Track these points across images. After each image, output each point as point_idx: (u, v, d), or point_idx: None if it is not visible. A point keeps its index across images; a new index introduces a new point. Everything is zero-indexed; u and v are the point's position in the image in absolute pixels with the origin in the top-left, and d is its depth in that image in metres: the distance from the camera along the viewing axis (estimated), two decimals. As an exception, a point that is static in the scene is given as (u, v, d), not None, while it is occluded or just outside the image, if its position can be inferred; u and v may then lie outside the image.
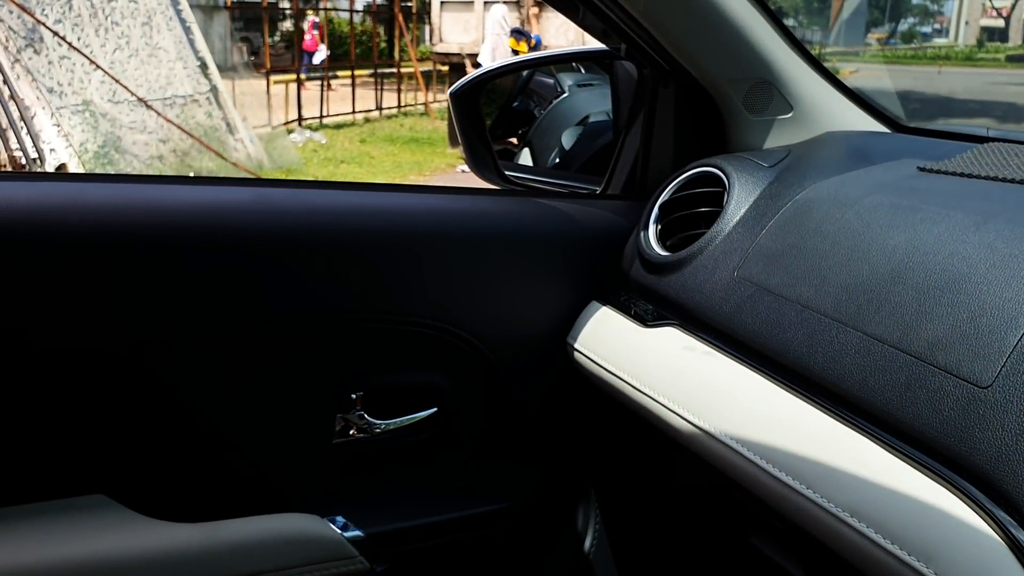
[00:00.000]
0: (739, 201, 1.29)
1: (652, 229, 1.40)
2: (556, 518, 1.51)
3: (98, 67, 8.62)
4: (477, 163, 1.61)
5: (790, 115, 1.44)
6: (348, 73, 14.43)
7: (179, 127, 9.45)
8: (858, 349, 1.00)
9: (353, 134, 12.66)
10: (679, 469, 1.32)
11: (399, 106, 15.02)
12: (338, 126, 13.16)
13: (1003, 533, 0.82)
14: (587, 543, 1.53)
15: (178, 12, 10.07)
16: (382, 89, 14.63)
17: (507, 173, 1.63)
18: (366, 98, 14.36)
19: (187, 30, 10.16)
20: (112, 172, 6.54)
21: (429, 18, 17.41)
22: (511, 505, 1.42)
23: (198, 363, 1.22)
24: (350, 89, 13.98)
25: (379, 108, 14.51)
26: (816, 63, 1.44)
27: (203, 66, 10.29)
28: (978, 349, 0.90)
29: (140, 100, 9.03)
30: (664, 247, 1.37)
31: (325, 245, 1.26)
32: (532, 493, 1.44)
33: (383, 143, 12.01)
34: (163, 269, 1.17)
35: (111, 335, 1.17)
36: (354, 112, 13.84)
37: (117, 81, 8.78)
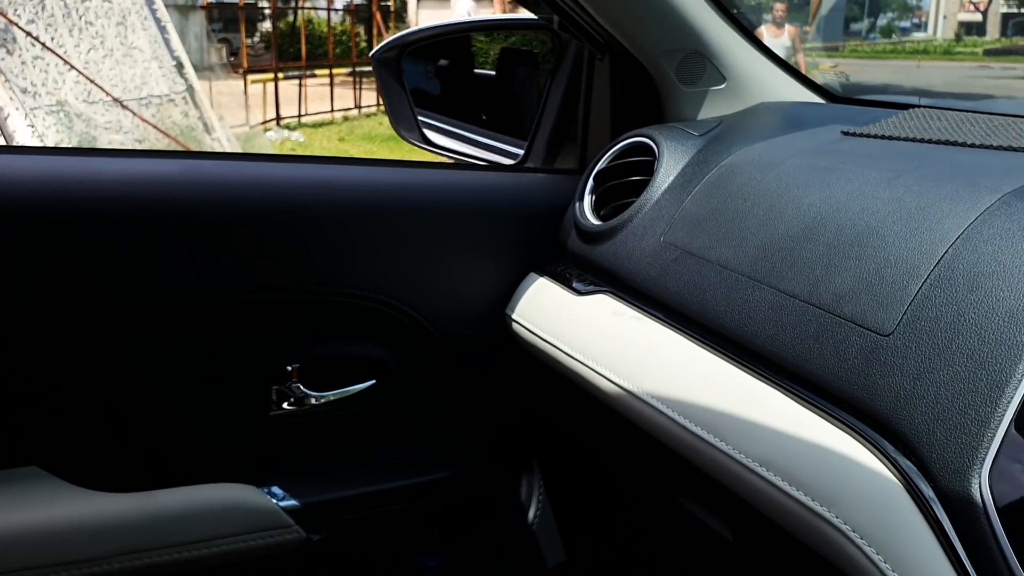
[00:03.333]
0: (668, 169, 1.31)
1: (587, 199, 1.42)
2: (499, 488, 1.53)
3: (72, 67, 8.58)
4: (400, 123, 1.64)
5: (723, 86, 1.46)
6: (327, 72, 14.41)
7: (155, 127, 9.41)
8: (771, 305, 1.02)
9: (332, 132, 12.63)
10: (612, 433, 1.33)
11: (379, 104, 14.99)
12: (317, 125, 13.13)
13: (900, 474, 0.84)
14: (530, 512, 1.54)
15: (153, 12, 10.03)
16: (361, 87, 14.61)
17: (427, 135, 1.66)
18: (345, 97, 14.33)
19: (162, 29, 10.12)
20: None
21: (407, 16, 17.40)
22: (452, 475, 1.43)
23: (129, 335, 1.22)
24: (328, 88, 13.96)
25: (358, 106, 14.49)
26: (750, 35, 1.46)
27: (179, 66, 10.26)
28: (881, 299, 0.92)
29: (115, 100, 9.00)
30: (598, 216, 1.39)
31: (258, 218, 1.27)
32: (473, 463, 1.45)
33: (362, 141, 12.00)
34: (93, 242, 1.18)
35: (42, 309, 1.18)
36: (333, 111, 13.81)
37: (92, 81, 8.74)
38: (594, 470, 1.55)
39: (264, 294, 1.27)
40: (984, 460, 0.78)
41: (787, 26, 9.39)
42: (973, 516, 0.77)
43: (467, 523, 1.52)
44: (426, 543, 1.47)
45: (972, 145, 1.12)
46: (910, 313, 0.89)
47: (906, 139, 1.18)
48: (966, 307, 0.85)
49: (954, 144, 1.14)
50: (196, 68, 10.84)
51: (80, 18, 8.99)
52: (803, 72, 1.53)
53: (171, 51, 10.18)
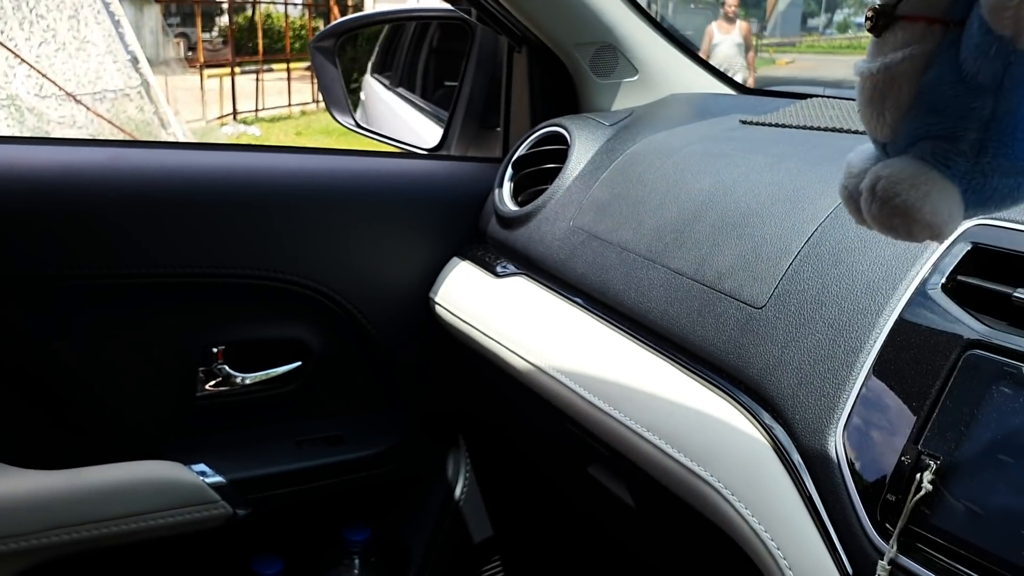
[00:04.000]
0: (579, 157, 1.37)
1: (506, 186, 1.47)
2: (425, 464, 1.58)
3: (23, 61, 8.49)
4: (334, 106, 1.71)
5: (636, 78, 1.52)
6: (284, 66, 14.33)
7: (110, 122, 9.34)
8: (663, 283, 1.08)
9: (289, 127, 12.59)
10: (527, 409, 1.39)
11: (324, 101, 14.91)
12: (274, 119, 13.07)
13: (768, 435, 0.90)
14: (457, 488, 1.60)
15: (106, 5, 9.93)
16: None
17: (358, 120, 1.75)
18: (303, 91, 14.27)
19: (116, 23, 10.03)
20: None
21: (364, 11, 17.34)
22: (378, 452, 1.48)
23: (56, 315, 1.26)
24: (286, 82, 13.90)
25: (316, 101, 14.42)
26: (662, 29, 1.53)
27: (134, 60, 10.17)
28: (757, 274, 0.99)
29: (68, 95, 8.92)
30: (516, 202, 1.45)
31: (182, 203, 1.31)
32: (399, 441, 1.50)
33: (319, 135, 11.96)
34: (18, 227, 1.22)
35: None
36: (290, 105, 13.76)
37: (43, 75, 8.65)
38: (516, 447, 1.61)
39: (189, 276, 1.32)
40: (839, 420, 0.85)
41: (738, 22, 9.39)
42: (829, 471, 0.84)
43: (393, 499, 1.57)
44: (353, 518, 1.52)
45: (856, 132, 1.19)
46: (781, 287, 0.95)
47: (797, 127, 1.25)
48: (830, 280, 0.92)
49: (840, 131, 1.21)
50: (152, 63, 10.76)
51: (31, 11, 8.89)
52: (753, 68, 1.61)
53: (126, 45, 10.09)
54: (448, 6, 1.61)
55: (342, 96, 1.76)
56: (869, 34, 0.51)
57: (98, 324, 1.30)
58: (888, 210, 0.48)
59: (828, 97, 1.40)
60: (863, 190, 0.50)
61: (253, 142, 11.31)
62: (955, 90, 0.46)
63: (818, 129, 1.23)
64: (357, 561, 1.49)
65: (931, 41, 0.47)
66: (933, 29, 0.47)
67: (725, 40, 9.09)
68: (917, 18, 0.47)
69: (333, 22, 1.79)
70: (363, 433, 1.48)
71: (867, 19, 0.49)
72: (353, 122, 1.76)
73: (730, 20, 9.37)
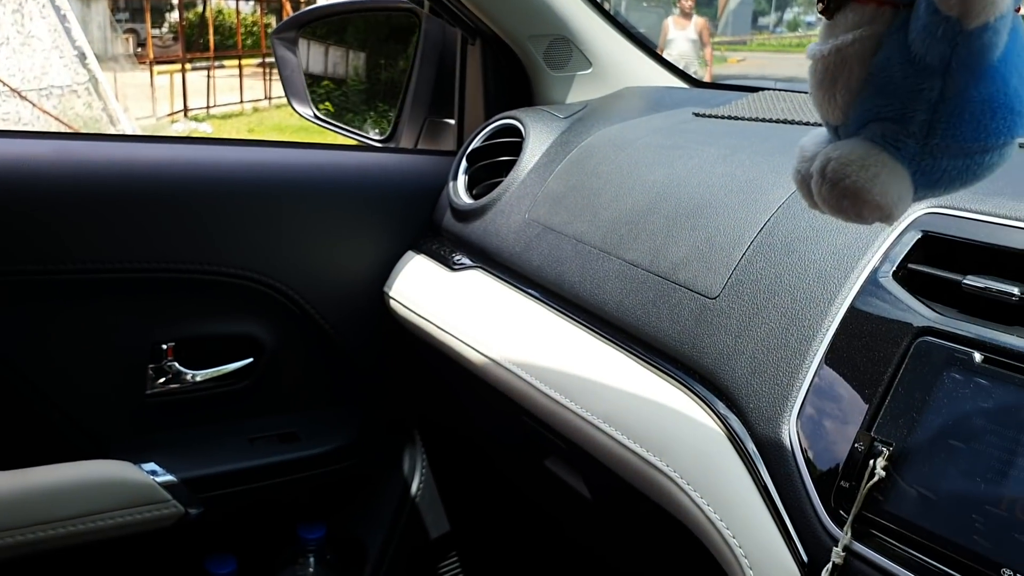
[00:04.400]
0: (533, 150, 1.37)
1: (461, 179, 1.47)
2: (381, 460, 1.57)
3: (-35, 56, 8.30)
4: (294, 96, 1.71)
5: (590, 71, 1.52)
6: (236, 63, 14.18)
7: (56, 118, 9.17)
8: (618, 274, 1.08)
9: (241, 124, 12.45)
10: (483, 403, 1.39)
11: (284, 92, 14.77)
12: (226, 116, 12.92)
13: (723, 424, 0.91)
14: (413, 487, 1.59)
15: (52, 0, 9.75)
16: (271, 78, 14.41)
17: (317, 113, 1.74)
18: (255, 88, 14.13)
19: (63, 18, 9.84)
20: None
21: (318, 7, 17.19)
22: (333, 448, 1.46)
23: (1, 314, 1.23)
24: (238, 79, 13.74)
25: (268, 97, 14.28)
26: (615, 22, 1.53)
27: (81, 56, 9.99)
28: (711, 265, 0.99)
29: (13, 91, 8.74)
30: (471, 195, 1.44)
31: (130, 197, 1.28)
32: (354, 437, 1.49)
33: (272, 132, 11.85)
34: None
35: None
36: (242, 102, 13.61)
37: (-13, 71, 8.47)
38: (473, 442, 1.60)
39: (138, 272, 1.29)
40: (793, 408, 0.85)
41: (694, 18, 9.41)
42: (783, 459, 0.84)
43: (349, 496, 1.56)
44: (308, 516, 1.50)
45: (807, 123, 1.20)
46: (734, 277, 0.96)
47: (749, 119, 1.26)
48: (783, 269, 0.93)
49: (791, 123, 1.22)
50: (100, 59, 10.58)
51: (-27, 6, 8.70)
52: (710, 64, 1.62)
53: (72, 41, 9.91)
54: (400, -2, 1.60)
55: (302, 87, 1.75)
56: (818, 32, 0.51)
57: (43, 321, 1.27)
58: (838, 191, 0.49)
59: (778, 90, 1.41)
60: (814, 172, 0.50)
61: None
62: (904, 72, 0.47)
63: (769, 121, 1.24)
64: (312, 559, 1.47)
65: (881, 23, 0.47)
66: (883, 11, 0.47)
67: (680, 36, 9.09)
68: (867, 0, 0.47)
69: (292, 14, 1.78)
70: (317, 430, 1.47)
71: (819, 1, 0.49)
72: (312, 113, 1.75)
73: (686, 16, 9.38)
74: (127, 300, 1.31)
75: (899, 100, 0.47)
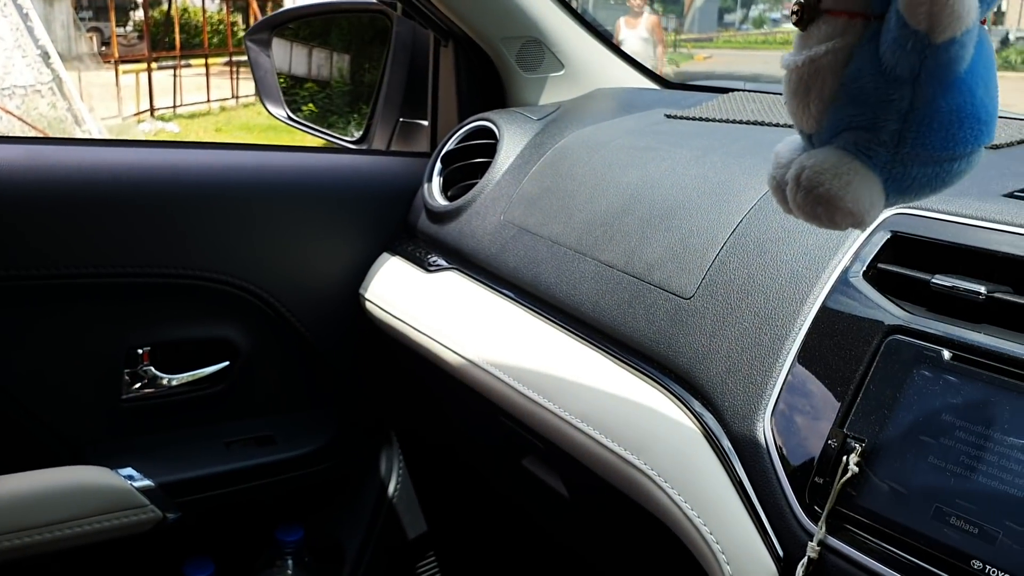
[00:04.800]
0: (507, 151, 1.38)
1: (436, 180, 1.47)
2: (358, 462, 1.57)
3: (-74, 56, 8.17)
4: (268, 98, 1.71)
5: (562, 73, 1.53)
6: (203, 61, 14.07)
7: (20, 119, 9.05)
8: (593, 275, 1.10)
9: (208, 123, 12.35)
10: (460, 404, 1.40)
11: (256, 93, 14.68)
12: (193, 116, 12.81)
13: (699, 423, 0.92)
14: (391, 487, 1.59)
15: (14, -1, 9.63)
16: (239, 77, 14.31)
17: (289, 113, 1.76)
18: (222, 87, 14.02)
19: (25, 17, 9.71)
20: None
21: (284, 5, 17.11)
22: (309, 451, 1.46)
23: None
24: (205, 78, 13.63)
25: (235, 96, 14.19)
26: (587, 25, 1.54)
27: (45, 55, 9.87)
28: (685, 265, 1.00)
29: (-25, 91, 8.62)
30: (446, 197, 1.45)
31: (102, 202, 1.28)
32: (331, 439, 1.49)
33: (239, 131, 11.77)
34: None
35: None
36: (209, 101, 13.50)
37: (-52, 70, 8.34)
38: (450, 442, 1.61)
39: (111, 277, 1.29)
40: (767, 406, 0.87)
41: (645, 16, 9.26)
42: (758, 456, 0.86)
43: (326, 498, 1.56)
44: (285, 519, 1.50)
45: (777, 124, 1.22)
46: (708, 277, 0.97)
47: (720, 120, 1.27)
48: (755, 270, 0.94)
49: (761, 124, 1.24)
50: (64, 58, 10.46)
51: (-67, 4, 8.57)
52: (662, 63, 1.64)
53: (35, 40, 9.78)
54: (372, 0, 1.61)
55: (275, 89, 1.76)
56: (783, 29, 0.52)
57: (17, 327, 1.26)
58: (812, 199, 0.50)
59: (748, 91, 1.43)
60: (789, 179, 0.52)
61: (172, 139, 11.08)
62: (875, 82, 0.48)
63: (740, 123, 1.26)
64: (290, 562, 1.47)
65: (853, 34, 0.49)
66: (854, 23, 0.49)
67: (632, 35, 8.96)
68: (840, 12, 0.49)
69: (266, 15, 1.79)
70: (294, 432, 1.47)
71: (792, 12, 0.51)
72: (285, 115, 1.75)
73: (636, 15, 9.26)
74: (101, 305, 1.31)
75: (871, 110, 0.49)
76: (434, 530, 1.66)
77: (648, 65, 1.60)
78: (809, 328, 0.87)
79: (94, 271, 1.28)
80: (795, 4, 0.50)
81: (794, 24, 0.51)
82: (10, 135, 6.49)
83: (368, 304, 1.45)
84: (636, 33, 8.98)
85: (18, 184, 1.22)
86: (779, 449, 0.85)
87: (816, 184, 0.49)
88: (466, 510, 1.69)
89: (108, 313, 1.31)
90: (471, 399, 1.29)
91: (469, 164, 1.43)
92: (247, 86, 14.41)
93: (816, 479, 0.80)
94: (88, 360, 1.31)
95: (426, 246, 1.45)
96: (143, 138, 10.60)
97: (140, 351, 1.34)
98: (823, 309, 0.87)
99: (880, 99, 0.48)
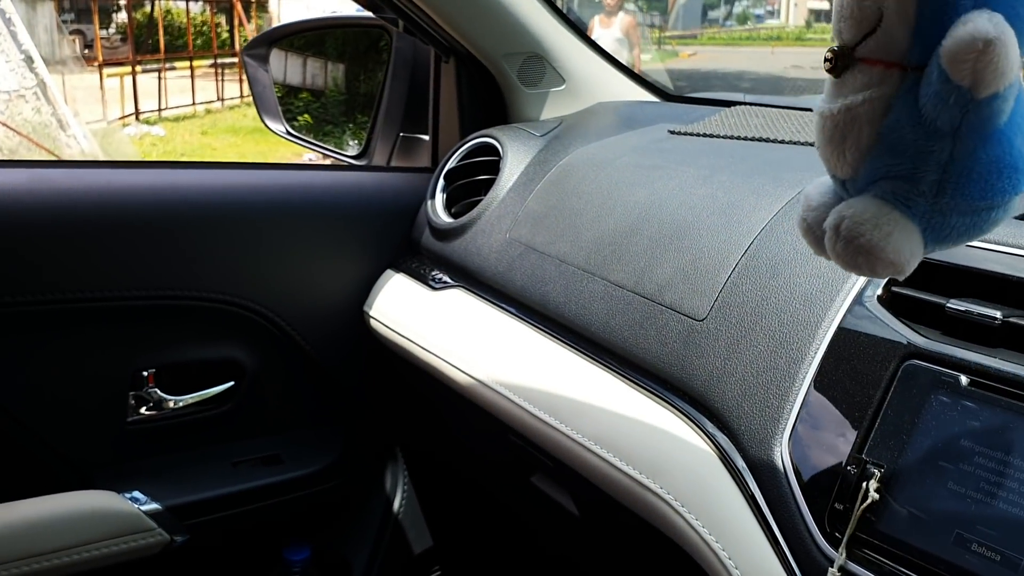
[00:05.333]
0: (511, 168, 1.38)
1: (439, 197, 1.47)
2: (364, 481, 1.57)
3: (-92, 62, 8.11)
4: (267, 113, 1.72)
5: (563, 87, 1.53)
6: (187, 64, 14.00)
7: (4, 124, 9.00)
8: (603, 295, 1.10)
9: (194, 126, 12.30)
10: (468, 422, 1.40)
11: (242, 96, 14.66)
12: (178, 119, 12.75)
13: (715, 446, 0.93)
14: (396, 504, 1.59)
15: (-5, 3, 9.56)
16: (224, 79, 14.26)
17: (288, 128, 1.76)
18: (207, 89, 13.96)
19: (8, 22, 9.64)
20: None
21: (268, 6, 17.07)
22: (315, 470, 1.46)
23: None
24: (189, 80, 13.57)
25: (221, 99, 14.13)
26: (587, 39, 1.54)
27: (28, 60, 9.80)
28: (696, 287, 1.01)
29: (-42, 98, 8.56)
30: (450, 214, 1.45)
31: (106, 225, 1.27)
32: (336, 457, 1.49)
33: (226, 134, 11.73)
34: None
35: None
36: (194, 103, 13.44)
37: (-70, 77, 8.28)
38: (454, 458, 1.61)
39: (115, 300, 1.28)
40: (784, 430, 0.87)
41: (620, 16, 8.89)
42: (776, 480, 0.86)
43: (333, 515, 1.56)
44: (292, 537, 1.50)
45: (782, 141, 1.23)
46: (721, 299, 0.98)
47: (725, 136, 1.28)
48: (769, 292, 0.95)
49: (767, 141, 1.24)
50: (47, 62, 10.39)
51: (-86, 10, 8.50)
52: (639, 66, 1.64)
53: (19, 44, 9.71)
54: (370, 15, 1.61)
55: (274, 104, 1.76)
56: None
57: (22, 352, 1.25)
58: (852, 249, 0.50)
59: (751, 104, 1.44)
60: (827, 228, 0.52)
61: (157, 142, 11.03)
62: (915, 133, 0.48)
63: (746, 139, 1.26)
64: (298, 580, 1.48)
65: (890, 85, 0.49)
66: (891, 73, 0.49)
67: (605, 35, 8.62)
68: (875, 62, 0.49)
69: (259, 23, 1.80)
70: (300, 451, 1.47)
71: (826, 60, 0.51)
72: (284, 130, 1.75)
73: (610, 14, 8.94)
74: (106, 328, 1.30)
75: (910, 160, 0.49)
76: (439, 545, 1.66)
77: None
78: (825, 352, 0.87)
79: (99, 295, 1.27)
80: (829, 51, 0.50)
81: (828, 71, 0.51)
82: (13, 159, 6.44)
83: (373, 322, 1.45)
84: (610, 33, 8.61)
85: (22, 209, 1.22)
86: (797, 473, 0.85)
87: (857, 235, 0.50)
88: (471, 526, 1.69)
89: (113, 336, 1.31)
90: (478, 417, 1.29)
91: (473, 181, 1.43)
92: (232, 88, 14.37)
93: (836, 505, 0.80)
94: (93, 383, 1.31)
95: (430, 263, 1.44)
96: (128, 142, 10.55)
97: (145, 373, 1.34)
98: (839, 332, 0.87)
99: (919, 150, 0.48)
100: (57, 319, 1.26)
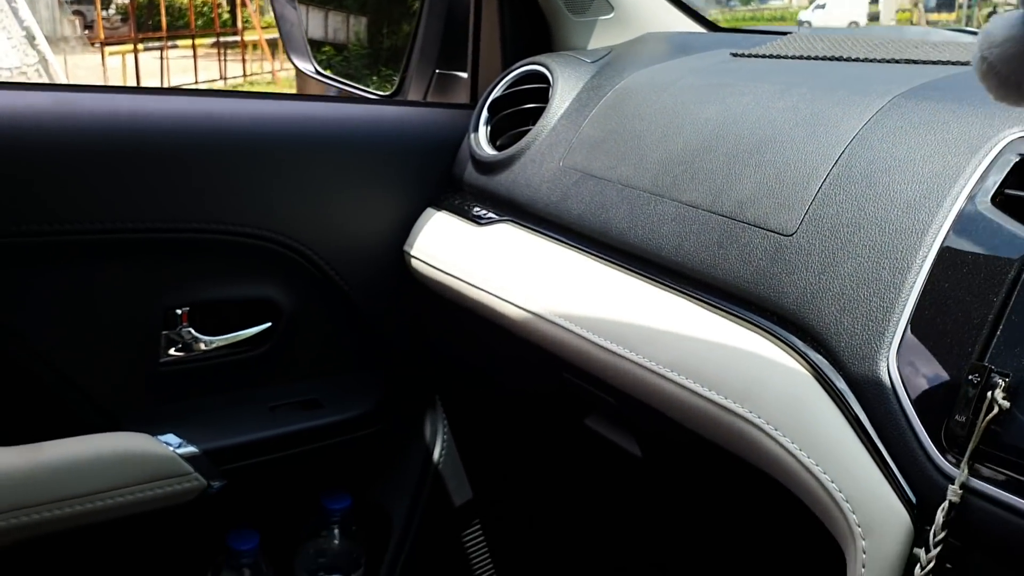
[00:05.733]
0: (563, 95, 1.31)
1: (483, 130, 1.40)
2: (403, 430, 1.51)
3: (-91, 37, 8.02)
4: (295, 52, 1.65)
5: (611, 16, 1.46)
6: (189, 43, 13.90)
7: (6, 101, 8.91)
8: (674, 217, 1.03)
9: (197, 105, 12.19)
10: (516, 362, 1.33)
11: (244, 75, 14.56)
12: (181, 98, 12.64)
13: (810, 366, 0.86)
14: (436, 454, 1.53)
15: (-3, -20, 9.45)
16: (226, 59, 14.16)
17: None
18: (210, 68, 13.86)
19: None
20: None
21: (272, -15, 16.94)
22: (353, 416, 1.40)
23: (3, 280, 1.14)
24: (192, 60, 13.47)
25: (223, 78, 14.03)
26: (636, -34, 1.47)
27: (30, 37, 9.71)
28: (783, 201, 0.94)
29: (-40, 73, 8.48)
30: (494, 147, 1.38)
31: (138, 153, 1.20)
32: (375, 403, 1.42)
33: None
34: None
35: None
36: (197, 82, 13.34)
37: (-68, 53, 8.19)
38: (496, 404, 1.54)
39: (147, 232, 1.21)
40: (891, 343, 0.81)
41: None
42: (882, 398, 0.80)
43: (372, 464, 1.50)
44: (331, 486, 1.44)
45: (856, 59, 1.16)
46: (811, 212, 0.91)
47: (793, 57, 1.21)
48: (865, 202, 0.88)
49: (840, 59, 1.17)
50: (49, 40, 10.30)
51: (-86, -15, 8.41)
52: None
53: (20, 21, 9.62)
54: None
55: (302, 43, 1.68)
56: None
57: (48, 286, 1.18)
58: None
59: (810, 31, 1.37)
60: None
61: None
62: None
63: (816, 59, 1.19)
64: (337, 531, 1.41)
65: None
66: None
67: None
68: None
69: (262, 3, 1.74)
70: (339, 397, 1.40)
71: None
72: (313, 69, 1.68)
73: None
74: (137, 263, 1.23)
75: None
76: (480, 499, 1.59)
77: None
78: (934, 259, 0.80)
79: (128, 226, 1.20)
80: None
81: None
82: (37, 83, 6.29)
83: (415, 262, 1.38)
84: None
85: (45, 132, 1.15)
86: (906, 388, 0.78)
87: None
88: (512, 479, 1.63)
89: (144, 271, 1.24)
90: (529, 356, 1.22)
91: (519, 111, 1.36)
92: (234, 68, 14.27)
93: (957, 418, 0.74)
94: (124, 322, 1.24)
95: (474, 199, 1.38)
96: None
97: (179, 312, 1.27)
98: (949, 238, 0.80)
99: None
100: (86, 251, 1.19)
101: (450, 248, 1.33)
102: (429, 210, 1.41)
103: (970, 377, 0.73)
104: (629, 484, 1.32)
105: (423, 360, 1.51)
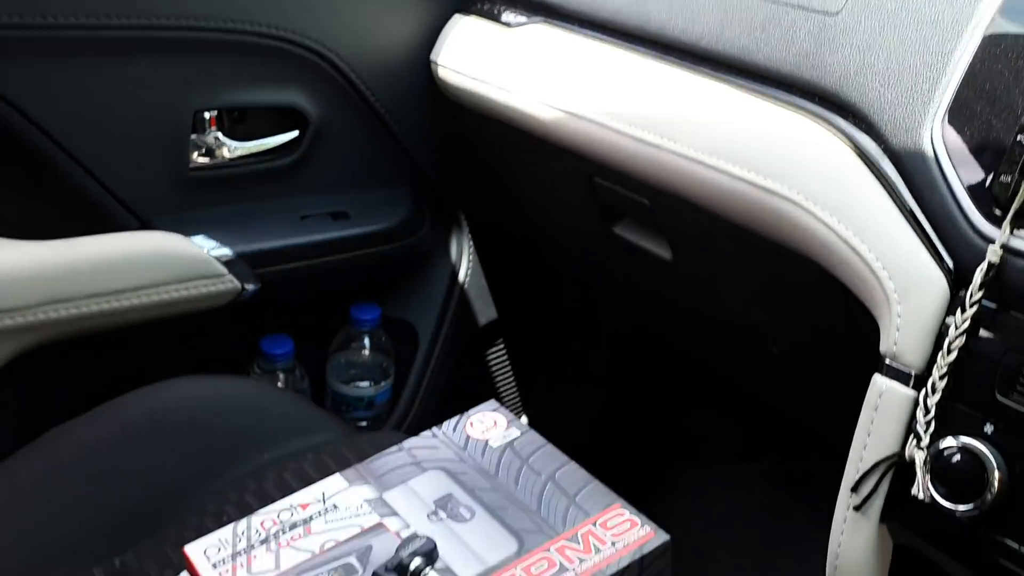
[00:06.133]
0: None
1: (511, -70, 1.36)
2: (429, 246, 1.51)
3: None
4: None
5: None
6: None
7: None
8: (715, 4, 1.01)
9: None
10: (545, 171, 1.33)
11: None
12: None
13: (847, 139, 0.86)
14: (461, 273, 1.54)
15: None
16: None
17: None
18: None
19: None
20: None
21: None
22: (383, 228, 1.40)
23: (25, 71, 1.12)
24: None
25: None
26: None
27: None
28: (828, -20, 0.91)
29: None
30: (522, -54, 1.34)
31: None
32: (403, 219, 1.42)
33: None
34: None
35: None
36: None
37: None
38: (525, 224, 1.55)
39: (175, 31, 1.18)
40: (936, 113, 0.80)
41: None
42: (923, 167, 0.80)
43: (399, 278, 1.51)
44: (360, 298, 1.45)
45: None
46: None
47: None
48: (914, -26, 0.86)
49: None
50: None
51: None
52: None
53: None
54: None
55: None
56: None
57: (76, 82, 1.16)
58: None
59: None
60: None
61: None
62: None
63: None
64: (367, 340, 1.43)
65: None
66: None
67: None
68: None
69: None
70: (367, 209, 1.40)
71: None
72: None
73: None
74: (163, 62, 1.20)
75: None
76: (504, 319, 1.62)
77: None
78: (989, 21, 0.79)
79: (155, 22, 1.17)
80: None
81: None
82: None
83: (442, 71, 1.36)
84: None
85: None
86: (949, 156, 0.78)
87: None
88: (536, 300, 1.65)
89: (173, 70, 1.21)
90: (559, 163, 1.22)
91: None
92: None
93: (1002, 179, 0.73)
94: (152, 122, 1.22)
95: (504, 2, 1.34)
96: None
97: (207, 115, 1.26)
98: (1004, 8, 0.79)
99: None
100: (115, 47, 1.17)
101: (480, 53, 1.30)
102: (456, 16, 1.38)
103: (1019, 138, 0.73)
104: (655, 288, 1.33)
105: (451, 176, 1.50)
